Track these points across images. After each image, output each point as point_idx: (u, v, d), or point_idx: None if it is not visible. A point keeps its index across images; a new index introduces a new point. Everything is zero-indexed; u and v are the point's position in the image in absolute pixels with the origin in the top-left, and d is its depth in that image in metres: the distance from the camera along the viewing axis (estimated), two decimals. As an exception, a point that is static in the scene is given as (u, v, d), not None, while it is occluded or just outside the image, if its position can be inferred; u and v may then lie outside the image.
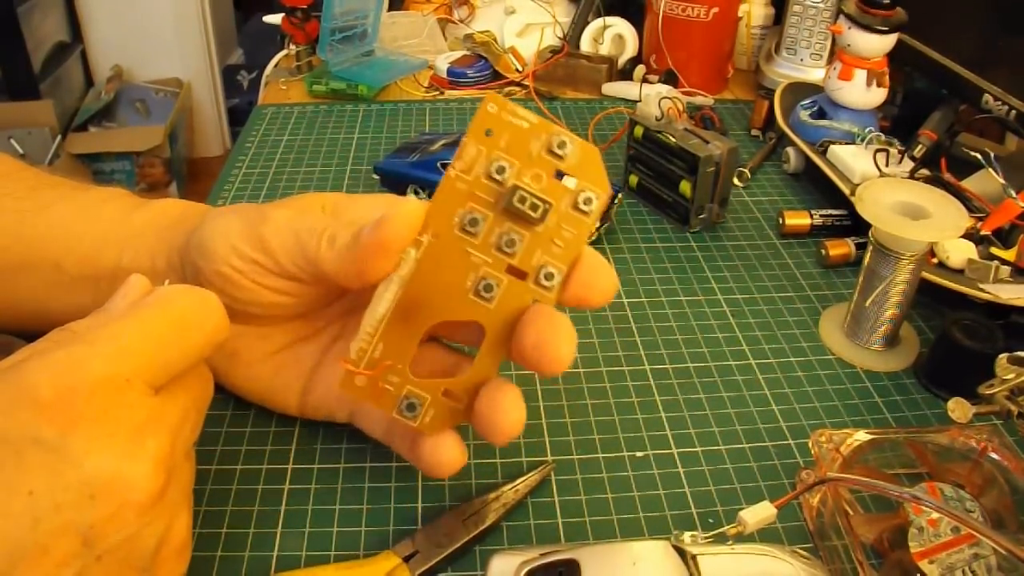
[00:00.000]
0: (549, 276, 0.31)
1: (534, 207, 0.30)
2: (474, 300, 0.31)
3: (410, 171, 0.59)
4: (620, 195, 0.60)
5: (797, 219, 0.57)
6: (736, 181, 0.63)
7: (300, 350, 0.38)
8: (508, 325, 0.31)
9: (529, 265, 0.31)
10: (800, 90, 0.70)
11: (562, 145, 0.31)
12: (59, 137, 1.92)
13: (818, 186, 0.63)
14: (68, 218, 0.39)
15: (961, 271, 0.48)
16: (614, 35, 0.84)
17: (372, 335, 0.31)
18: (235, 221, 0.34)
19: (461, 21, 0.94)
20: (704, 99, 0.76)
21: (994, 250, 0.48)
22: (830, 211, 0.58)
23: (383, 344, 0.31)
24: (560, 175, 0.31)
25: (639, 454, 0.39)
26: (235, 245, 0.34)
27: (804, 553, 0.31)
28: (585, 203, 0.31)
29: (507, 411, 0.31)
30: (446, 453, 0.32)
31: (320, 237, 0.32)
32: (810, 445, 0.36)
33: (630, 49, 0.84)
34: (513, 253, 0.31)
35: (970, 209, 0.51)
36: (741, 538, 0.32)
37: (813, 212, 0.58)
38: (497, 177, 0.31)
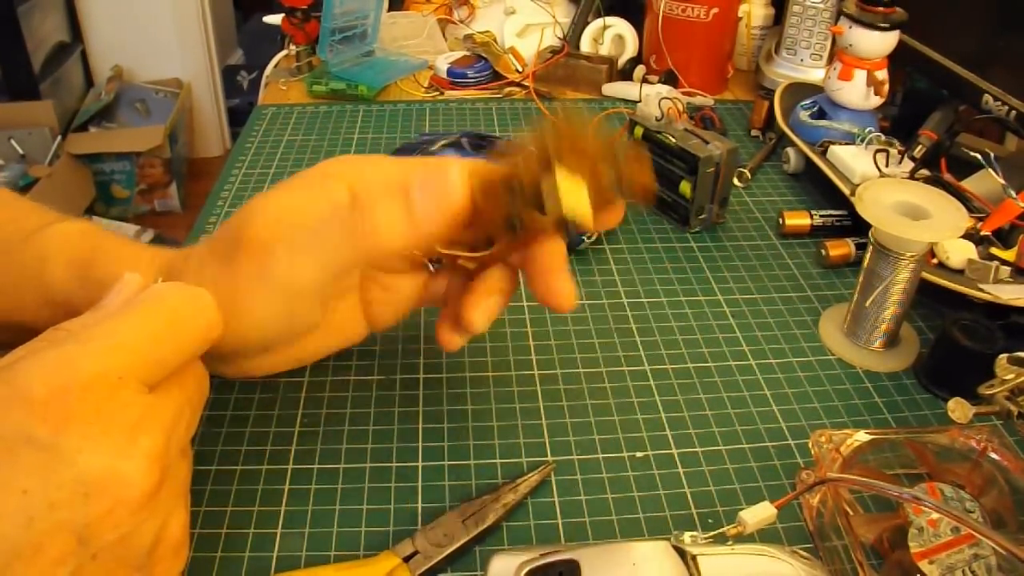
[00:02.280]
0: None
1: None
2: None
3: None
4: (620, 195, 0.60)
5: (797, 219, 0.57)
6: (736, 181, 0.63)
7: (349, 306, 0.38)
8: None
9: None
10: (800, 90, 0.70)
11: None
12: (59, 137, 1.92)
13: (818, 186, 0.63)
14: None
15: (961, 271, 0.48)
16: (614, 35, 0.84)
17: None
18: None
19: (461, 21, 0.94)
20: (704, 99, 0.76)
21: (994, 250, 0.48)
22: (830, 211, 0.58)
23: None
24: None
25: (639, 454, 0.39)
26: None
27: (804, 553, 0.31)
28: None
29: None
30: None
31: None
32: (810, 445, 0.36)
33: (630, 49, 0.84)
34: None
35: (970, 209, 0.51)
36: (741, 538, 0.32)
37: (813, 212, 0.58)
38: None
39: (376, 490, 0.37)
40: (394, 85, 0.82)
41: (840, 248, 0.54)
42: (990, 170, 0.53)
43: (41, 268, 0.36)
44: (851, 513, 0.34)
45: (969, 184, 0.55)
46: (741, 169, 0.65)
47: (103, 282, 0.30)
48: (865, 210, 0.42)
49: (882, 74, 0.62)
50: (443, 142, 0.62)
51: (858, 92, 0.62)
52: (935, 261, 0.49)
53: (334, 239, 0.32)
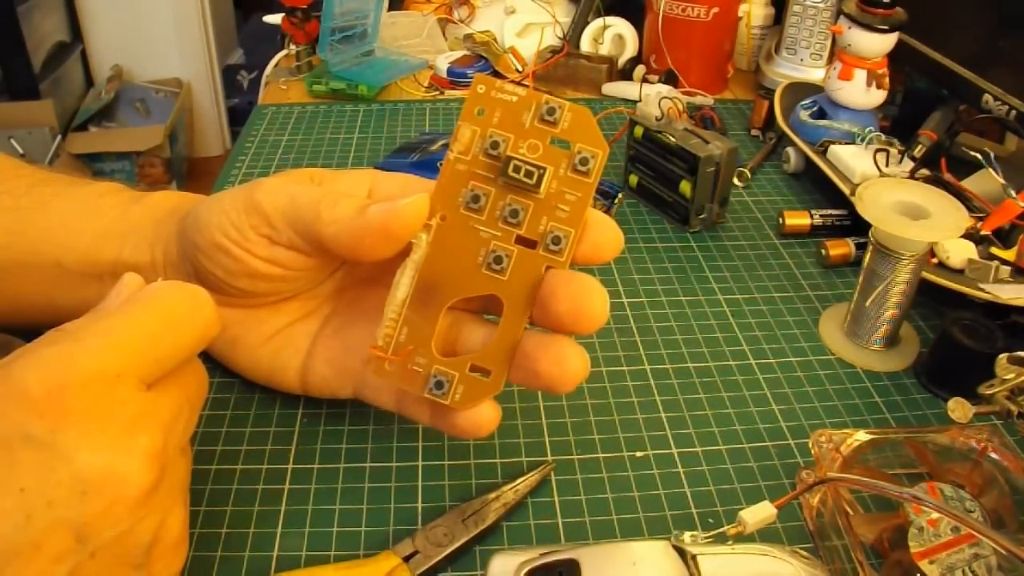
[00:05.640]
0: (557, 240, 0.31)
1: (528, 174, 0.31)
2: (487, 274, 0.32)
3: (410, 171, 0.59)
4: (620, 195, 0.60)
5: (797, 219, 0.57)
6: (736, 181, 0.63)
7: (295, 331, 0.38)
8: (525, 293, 0.32)
9: (537, 233, 0.32)
10: (800, 90, 0.70)
11: (552, 111, 0.31)
12: (59, 137, 1.92)
13: (818, 186, 0.63)
14: (67, 215, 0.39)
15: (961, 271, 0.48)
16: (614, 35, 0.84)
17: (395, 320, 0.33)
18: (228, 192, 0.36)
19: (461, 21, 0.94)
20: (704, 99, 0.76)
21: (994, 250, 0.48)
22: (830, 211, 0.58)
23: (407, 327, 0.33)
24: (560, 143, 0.32)
25: (639, 454, 0.39)
26: (228, 212, 0.35)
27: (804, 553, 0.31)
28: (582, 164, 0.31)
29: (568, 358, 0.31)
30: (482, 416, 0.33)
31: (318, 203, 0.33)
32: (810, 445, 0.36)
33: (630, 49, 0.84)
34: (519, 223, 0.32)
35: (970, 209, 0.51)
36: (741, 538, 0.32)
37: (813, 212, 0.58)
38: (493, 153, 0.32)
39: (376, 490, 0.37)
40: (394, 85, 0.82)
41: (840, 248, 0.54)
42: (990, 170, 0.53)
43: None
44: (851, 513, 0.34)
45: (969, 184, 0.55)
46: (741, 169, 0.65)
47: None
48: (865, 210, 0.42)
49: (882, 69, 0.61)
50: (443, 142, 0.62)
51: (858, 92, 0.62)
52: (935, 261, 0.48)
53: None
